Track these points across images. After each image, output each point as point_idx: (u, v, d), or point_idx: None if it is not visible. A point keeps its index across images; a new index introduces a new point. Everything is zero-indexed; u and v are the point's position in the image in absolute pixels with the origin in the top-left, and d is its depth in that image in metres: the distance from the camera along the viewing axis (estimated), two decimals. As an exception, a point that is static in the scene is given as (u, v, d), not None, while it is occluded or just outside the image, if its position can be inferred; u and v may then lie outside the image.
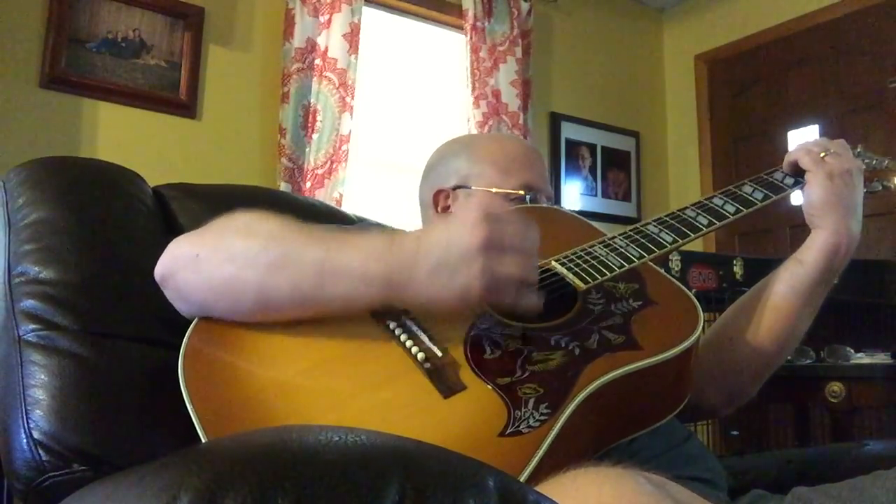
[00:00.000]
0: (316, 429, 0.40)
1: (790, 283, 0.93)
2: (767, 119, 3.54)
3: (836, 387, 2.11)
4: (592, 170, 3.61)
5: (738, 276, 2.34)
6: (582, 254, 0.86)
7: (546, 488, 0.51)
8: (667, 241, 0.88)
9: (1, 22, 2.28)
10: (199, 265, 0.71)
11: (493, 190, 1.04)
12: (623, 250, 0.86)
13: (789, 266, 0.94)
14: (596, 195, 3.61)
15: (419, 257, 0.66)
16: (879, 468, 0.72)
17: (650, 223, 0.92)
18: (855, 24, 3.25)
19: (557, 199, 3.44)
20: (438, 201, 1.07)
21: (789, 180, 0.97)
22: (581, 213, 3.44)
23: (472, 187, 1.05)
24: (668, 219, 0.92)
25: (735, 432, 2.86)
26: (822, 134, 3.29)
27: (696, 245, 1.96)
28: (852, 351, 2.24)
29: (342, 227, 0.90)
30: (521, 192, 1.03)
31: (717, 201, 0.94)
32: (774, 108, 3.53)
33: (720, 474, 0.85)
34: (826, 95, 3.34)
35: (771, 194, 0.95)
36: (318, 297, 0.68)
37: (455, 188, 1.06)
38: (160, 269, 0.75)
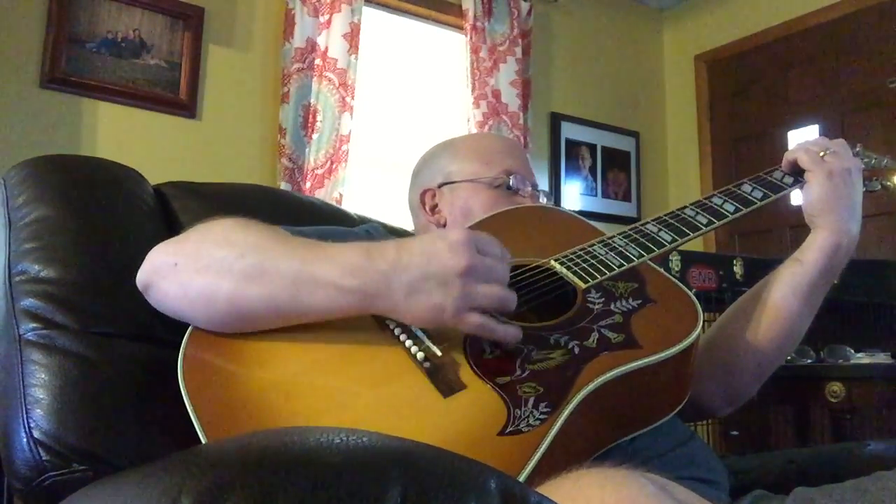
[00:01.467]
0: (317, 431, 0.40)
1: (790, 283, 0.92)
2: (767, 119, 3.54)
3: (836, 387, 2.11)
4: (592, 170, 3.61)
5: (738, 276, 2.34)
6: (581, 253, 0.86)
7: (548, 489, 0.51)
8: (666, 241, 0.88)
9: (1, 22, 2.28)
10: (178, 274, 0.71)
11: (477, 180, 1.05)
12: (622, 249, 0.86)
13: (789, 266, 0.94)
14: (596, 195, 3.61)
15: (398, 269, 0.66)
16: (881, 469, 0.72)
17: (649, 222, 0.92)
18: (855, 24, 3.24)
19: (557, 199, 3.43)
20: (425, 201, 1.09)
21: (788, 179, 0.97)
22: (581, 213, 3.44)
23: (456, 181, 1.06)
24: (667, 218, 0.92)
25: (735, 432, 2.85)
26: (822, 134, 3.29)
27: (696, 245, 1.96)
28: (852, 351, 2.24)
29: (322, 237, 0.90)
30: (504, 178, 1.04)
31: (717, 200, 0.94)
32: (774, 108, 3.53)
33: (723, 475, 0.85)
34: (826, 95, 3.34)
35: (770, 193, 0.95)
36: (293, 308, 0.68)
37: (440, 186, 1.08)
38: (141, 278, 0.75)
